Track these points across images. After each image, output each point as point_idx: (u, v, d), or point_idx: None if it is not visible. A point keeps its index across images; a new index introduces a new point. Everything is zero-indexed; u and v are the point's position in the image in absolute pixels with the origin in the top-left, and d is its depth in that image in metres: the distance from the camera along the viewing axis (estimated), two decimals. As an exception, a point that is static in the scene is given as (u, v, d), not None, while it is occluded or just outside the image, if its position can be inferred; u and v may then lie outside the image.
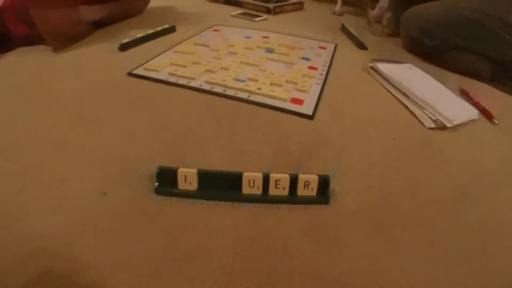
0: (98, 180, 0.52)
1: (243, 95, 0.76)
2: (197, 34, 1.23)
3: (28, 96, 0.84)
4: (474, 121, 0.79)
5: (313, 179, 0.48)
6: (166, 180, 0.50)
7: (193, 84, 0.81)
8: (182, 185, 0.50)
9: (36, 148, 0.61)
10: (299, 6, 1.79)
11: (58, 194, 0.50)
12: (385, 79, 0.92)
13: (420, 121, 0.75)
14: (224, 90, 0.78)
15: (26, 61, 1.22)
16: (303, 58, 1.00)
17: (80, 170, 0.55)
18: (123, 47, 1.11)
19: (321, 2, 2.11)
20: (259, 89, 0.77)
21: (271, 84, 0.81)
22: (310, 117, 0.70)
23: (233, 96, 0.76)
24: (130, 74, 0.90)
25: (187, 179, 0.49)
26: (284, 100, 0.74)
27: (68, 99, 0.80)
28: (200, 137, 0.63)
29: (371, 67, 0.97)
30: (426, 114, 0.77)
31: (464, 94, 0.92)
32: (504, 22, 1.04)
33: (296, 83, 0.82)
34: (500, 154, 0.69)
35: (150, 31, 1.21)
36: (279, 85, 0.80)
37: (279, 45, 1.09)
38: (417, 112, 0.78)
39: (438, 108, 0.77)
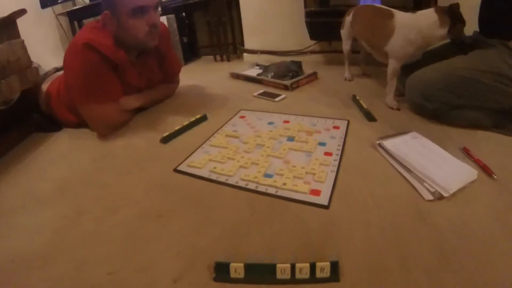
0: (170, 268, 0.74)
1: (272, 191, 0.97)
2: (226, 122, 1.46)
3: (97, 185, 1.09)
4: (473, 181, 0.92)
5: (327, 265, 0.68)
6: (221, 271, 0.71)
7: (231, 181, 1.04)
8: (233, 274, 0.70)
9: (121, 238, 0.85)
10: (313, 77, 2.02)
11: (144, 279, 0.72)
12: (391, 155, 1.08)
13: (420, 194, 0.90)
14: (257, 187, 1.00)
15: (77, 147, 1.45)
16: (320, 144, 1.21)
17: (155, 259, 0.77)
18: (165, 140, 1.34)
19: (333, 65, 2.34)
20: (284, 184, 0.98)
21: (294, 177, 1.02)
22: (326, 207, 0.90)
23: (264, 192, 0.97)
24: (176, 170, 1.14)
25: (237, 270, 0.70)
26: (304, 193, 0.95)
27: (132, 194, 1.04)
28: (242, 232, 0.84)
29: (379, 145, 1.15)
30: (425, 187, 0.91)
31: (466, 153, 1.05)
32: (498, 74, 1.19)
33: (314, 174, 1.02)
34: (495, 214, 0.80)
35: (185, 122, 1.43)
36: (300, 178, 1.01)
37: (299, 131, 1.32)
38: (417, 185, 0.93)
39: (436, 179, 0.91)
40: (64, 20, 3.15)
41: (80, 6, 3.08)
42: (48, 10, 3.16)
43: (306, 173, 1.04)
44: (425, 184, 0.92)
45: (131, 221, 0.91)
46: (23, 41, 1.60)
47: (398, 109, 1.46)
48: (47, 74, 1.90)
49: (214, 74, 2.51)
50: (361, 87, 1.81)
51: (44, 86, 1.78)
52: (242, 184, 1.02)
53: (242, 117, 1.52)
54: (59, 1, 3.04)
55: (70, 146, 1.49)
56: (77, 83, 1.47)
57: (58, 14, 3.19)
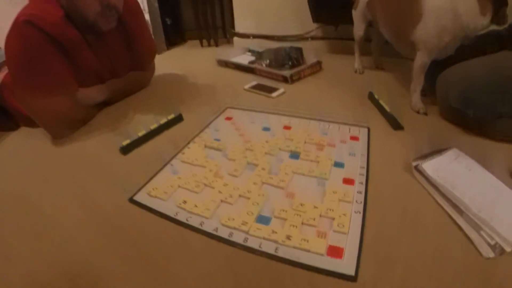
0: None
1: (270, 248, 0.65)
2: (207, 125, 1.15)
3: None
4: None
5: None
6: None
7: (207, 226, 0.71)
8: None
9: None
10: (317, 67, 1.70)
11: None
12: (432, 183, 0.80)
13: (476, 248, 0.64)
14: (246, 239, 0.67)
15: (24, 152, 1.23)
16: (336, 165, 0.89)
17: None
18: (125, 150, 1.04)
19: (339, 54, 2.06)
20: (288, 237, 0.66)
21: (302, 223, 0.69)
22: (352, 279, 0.58)
23: (256, 249, 0.64)
24: (132, 200, 0.81)
25: None
26: (319, 254, 0.62)
27: (60, 227, 0.76)
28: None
29: (415, 167, 0.86)
30: (483, 237, 0.65)
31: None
32: None
33: (332, 218, 0.70)
34: None
35: (153, 126, 1.13)
36: (312, 225, 0.69)
37: (305, 142, 0.99)
38: (473, 235, 0.67)
39: (496, 227, 0.66)
40: None
41: None
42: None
43: (320, 216, 0.72)
44: (482, 233, 0.66)
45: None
46: None
47: (425, 114, 1.19)
48: (4, 63, 1.62)
49: (199, 61, 2.20)
50: (376, 82, 1.50)
51: (0, 76, 1.49)
52: (223, 233, 0.69)
53: (228, 118, 1.19)
54: None
55: (16, 149, 1.27)
56: (17, 70, 1.19)
57: None
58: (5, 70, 1.53)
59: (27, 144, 1.28)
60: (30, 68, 1.18)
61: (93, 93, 1.36)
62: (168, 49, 2.68)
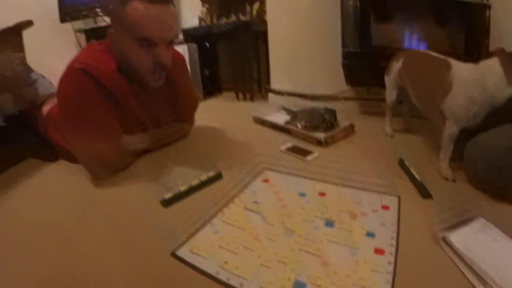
0: None
1: (306, 315, 0.69)
2: (246, 186, 1.21)
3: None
4: None
5: None
6: None
7: (248, 289, 0.75)
8: None
9: None
10: (350, 131, 1.76)
11: None
12: (458, 255, 0.83)
13: None
14: (284, 304, 0.71)
15: (62, 185, 1.30)
16: (368, 234, 0.94)
17: None
18: (166, 203, 1.10)
19: (370, 115, 2.11)
20: (323, 305, 0.70)
21: (336, 291, 0.73)
22: None
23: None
24: (174, 255, 0.87)
25: None
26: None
27: (104, 276, 0.81)
28: None
29: (443, 239, 0.89)
30: None
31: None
32: None
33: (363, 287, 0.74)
34: None
35: (195, 182, 1.20)
36: (346, 294, 0.73)
37: (339, 210, 1.05)
38: None
39: None
40: (84, 37, 3.11)
41: (99, 25, 3.08)
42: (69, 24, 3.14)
43: (353, 285, 0.76)
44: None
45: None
46: (24, 56, 1.55)
47: (454, 181, 1.21)
48: (52, 95, 1.74)
49: (235, 115, 2.33)
50: (406, 147, 1.55)
51: (45, 108, 1.63)
52: (263, 296, 0.73)
53: (265, 180, 1.25)
54: (79, 16, 3.03)
55: (57, 184, 1.35)
56: (68, 113, 1.30)
57: (77, 31, 3.15)
58: (50, 103, 1.64)
59: (65, 177, 1.38)
60: (80, 113, 1.26)
61: (136, 141, 1.45)
62: (204, 99, 2.82)
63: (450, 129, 1.23)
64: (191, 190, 1.19)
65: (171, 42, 1.32)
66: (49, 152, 1.56)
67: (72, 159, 1.45)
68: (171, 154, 1.56)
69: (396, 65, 1.59)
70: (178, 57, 1.62)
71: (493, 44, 1.66)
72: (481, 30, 1.69)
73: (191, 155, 1.55)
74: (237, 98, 2.84)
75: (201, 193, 1.20)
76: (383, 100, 1.76)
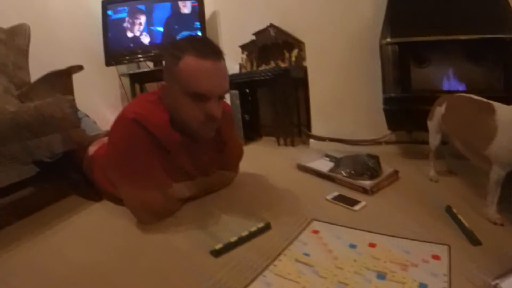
0: None
1: None
2: (295, 238, 1.22)
3: None
4: None
5: None
6: None
7: None
8: None
9: None
10: (395, 177, 1.76)
11: None
12: None
13: None
14: None
15: (106, 226, 1.34)
16: (420, 286, 0.94)
17: None
18: (217, 253, 1.13)
19: (412, 159, 2.09)
20: None
21: None
22: None
23: None
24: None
25: None
26: None
27: None
28: None
29: (494, 287, 0.88)
30: None
31: None
32: None
33: None
34: None
35: (244, 233, 1.22)
36: None
37: (390, 261, 1.05)
38: None
39: None
40: (127, 81, 3.28)
41: (143, 70, 3.25)
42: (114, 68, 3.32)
43: None
44: None
45: None
46: (73, 99, 1.60)
47: (502, 225, 1.20)
48: (97, 137, 1.80)
49: (277, 161, 2.35)
50: (451, 191, 1.54)
51: (91, 149, 1.71)
52: None
53: (314, 231, 1.27)
54: (123, 61, 3.22)
55: (102, 225, 1.41)
56: (119, 161, 1.35)
57: (121, 74, 3.34)
58: (96, 144, 1.72)
59: (109, 219, 1.43)
60: (131, 162, 1.32)
61: (183, 189, 1.49)
62: (245, 144, 2.88)
63: (497, 174, 1.22)
64: (241, 241, 1.21)
65: (222, 97, 1.37)
66: (93, 191, 1.61)
67: (117, 201, 1.51)
68: (217, 202, 1.60)
69: (439, 110, 1.60)
70: (226, 108, 1.65)
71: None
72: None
73: (236, 203, 1.58)
74: (278, 143, 2.88)
75: (250, 243, 1.22)
76: (425, 142, 1.77)
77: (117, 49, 3.17)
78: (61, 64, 1.87)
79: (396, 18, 2.00)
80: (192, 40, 1.38)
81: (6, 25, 2.13)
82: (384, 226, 1.27)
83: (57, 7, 2.97)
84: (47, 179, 1.77)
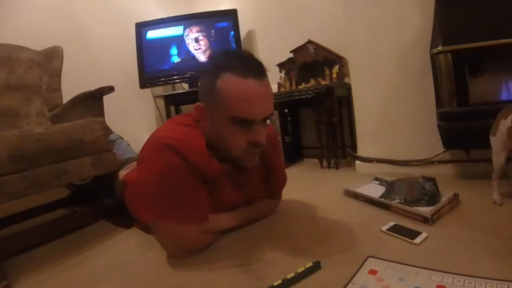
0: None
1: None
2: (350, 280, 1.06)
3: None
4: None
5: None
6: None
7: None
8: None
9: None
10: (455, 202, 1.57)
11: None
12: None
13: None
14: None
15: (139, 261, 1.28)
16: None
17: None
18: None
19: (470, 179, 1.92)
20: None
21: None
22: None
23: None
24: None
25: None
26: None
27: None
28: None
29: None
30: None
31: None
32: None
33: None
34: None
35: (290, 275, 1.07)
36: None
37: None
38: None
39: None
40: (162, 102, 3.28)
41: (178, 92, 3.29)
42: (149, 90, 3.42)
43: None
44: None
45: None
46: (103, 121, 1.58)
47: None
48: (129, 160, 1.75)
49: (321, 185, 2.21)
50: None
51: (122, 173, 1.65)
52: None
53: (372, 272, 1.10)
54: (158, 83, 3.30)
55: (131, 255, 1.34)
56: (151, 190, 1.20)
57: (156, 96, 3.38)
58: (128, 168, 1.63)
59: (138, 249, 1.38)
60: (165, 191, 1.18)
61: (223, 220, 1.36)
62: (286, 166, 2.74)
63: None
64: (286, 284, 1.06)
65: (266, 119, 1.25)
66: (123, 217, 1.55)
67: (147, 229, 1.41)
68: (261, 234, 1.45)
69: (504, 123, 1.44)
70: (272, 132, 1.54)
71: None
72: None
73: (281, 236, 1.44)
74: (321, 166, 2.76)
75: (297, 286, 1.07)
76: (485, 160, 1.60)
77: (151, 71, 3.22)
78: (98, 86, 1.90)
79: (447, 24, 1.85)
80: (231, 55, 1.26)
81: (44, 46, 2.21)
82: (450, 262, 1.10)
83: (95, 29, 3.10)
84: (79, 202, 1.78)
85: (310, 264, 1.14)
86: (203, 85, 1.25)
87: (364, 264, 1.15)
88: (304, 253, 1.24)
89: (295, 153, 3.18)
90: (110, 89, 1.86)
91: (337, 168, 2.66)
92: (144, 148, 1.28)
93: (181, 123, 1.30)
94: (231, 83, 1.14)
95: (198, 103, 1.25)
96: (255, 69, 1.18)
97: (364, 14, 2.34)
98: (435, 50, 1.85)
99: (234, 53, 1.31)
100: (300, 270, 1.11)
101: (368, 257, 1.18)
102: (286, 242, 1.37)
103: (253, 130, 1.19)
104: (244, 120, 1.17)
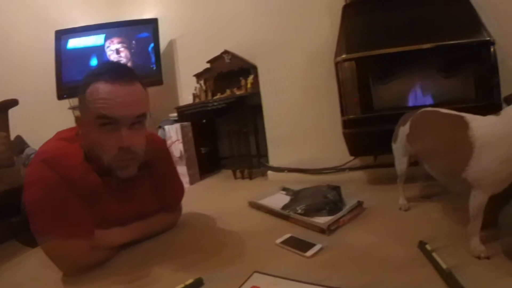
0: None
1: None
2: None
3: None
4: None
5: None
6: None
7: None
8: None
9: None
10: (359, 210, 1.52)
11: None
12: None
13: None
14: None
15: (34, 281, 1.24)
16: None
17: None
18: None
19: (379, 185, 1.92)
20: None
21: None
22: None
23: None
24: None
25: None
26: None
27: None
28: None
29: None
30: None
31: None
32: None
33: None
34: None
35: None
36: None
37: None
38: None
39: None
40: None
41: None
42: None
43: None
44: None
45: None
46: (7, 136, 1.52)
47: (488, 258, 0.99)
48: None
49: (230, 197, 2.13)
50: (425, 222, 1.34)
51: None
52: None
53: (254, 288, 0.98)
54: (76, 94, 3.08)
55: (28, 277, 1.30)
56: (32, 207, 1.18)
57: (73, 107, 3.22)
58: None
59: (39, 268, 1.33)
60: (47, 208, 1.16)
61: (112, 236, 1.31)
62: (201, 178, 2.71)
63: (478, 199, 1.03)
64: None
65: (135, 123, 1.23)
66: (30, 236, 1.42)
67: None
68: (155, 249, 1.40)
69: (403, 130, 1.42)
70: (159, 142, 1.56)
71: (504, 81, 1.57)
72: (490, 69, 1.59)
73: (174, 250, 1.36)
74: (235, 177, 2.68)
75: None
76: (393, 165, 1.56)
77: (68, 82, 3.04)
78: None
79: (351, 33, 1.86)
80: (100, 65, 1.25)
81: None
82: (343, 276, 1.03)
83: (14, 35, 2.99)
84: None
85: (191, 281, 1.05)
86: (79, 99, 1.25)
87: (248, 280, 1.05)
88: (190, 268, 1.17)
89: (212, 164, 3.12)
90: (14, 102, 1.77)
91: (250, 178, 2.60)
92: (28, 166, 1.26)
93: (61, 138, 1.31)
94: (97, 87, 1.17)
95: (76, 115, 1.27)
96: (120, 73, 1.21)
97: (273, 23, 2.34)
98: (338, 59, 1.85)
99: (103, 63, 1.28)
100: (179, 287, 1.03)
101: (254, 272, 1.09)
102: (176, 257, 1.30)
103: (120, 133, 1.18)
104: (109, 119, 1.17)
